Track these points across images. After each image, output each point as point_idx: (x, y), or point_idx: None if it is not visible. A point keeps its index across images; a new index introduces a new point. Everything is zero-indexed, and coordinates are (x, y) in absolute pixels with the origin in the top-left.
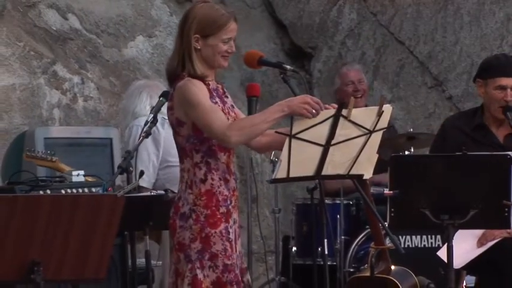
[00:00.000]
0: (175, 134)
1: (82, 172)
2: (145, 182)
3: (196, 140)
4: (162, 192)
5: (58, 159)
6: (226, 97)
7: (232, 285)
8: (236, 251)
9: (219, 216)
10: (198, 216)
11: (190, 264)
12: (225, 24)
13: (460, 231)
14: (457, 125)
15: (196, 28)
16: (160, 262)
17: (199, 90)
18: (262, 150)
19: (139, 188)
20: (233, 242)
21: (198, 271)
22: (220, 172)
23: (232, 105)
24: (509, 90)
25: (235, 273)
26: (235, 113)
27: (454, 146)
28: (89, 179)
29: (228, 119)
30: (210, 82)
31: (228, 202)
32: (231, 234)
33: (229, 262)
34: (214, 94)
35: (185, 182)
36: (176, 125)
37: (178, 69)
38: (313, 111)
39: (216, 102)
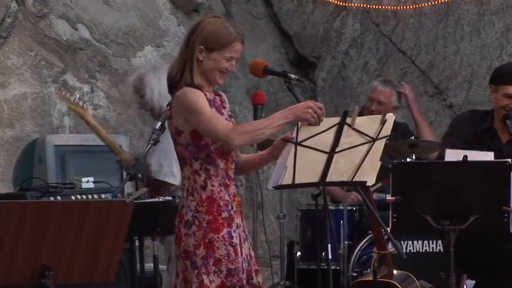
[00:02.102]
0: (175, 144)
1: (92, 179)
2: (176, 179)
3: (195, 148)
4: (170, 198)
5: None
6: (224, 107)
7: None
8: (242, 254)
9: (221, 221)
10: (200, 222)
11: (197, 270)
12: (231, 43)
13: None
14: (470, 122)
15: (202, 40)
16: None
17: (198, 98)
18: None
19: (166, 185)
20: (237, 247)
21: (204, 276)
22: (220, 178)
23: (230, 115)
24: None
25: (238, 277)
26: (232, 123)
27: (465, 139)
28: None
29: None
30: (207, 93)
31: (230, 207)
32: (234, 238)
33: (232, 267)
34: (211, 104)
35: (186, 190)
36: (175, 134)
37: (177, 76)
38: (316, 115)
39: (214, 111)
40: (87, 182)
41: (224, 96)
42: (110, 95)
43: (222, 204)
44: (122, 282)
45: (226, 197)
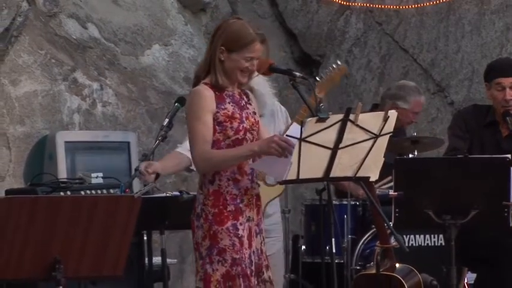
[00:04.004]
0: None
1: (101, 174)
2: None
3: None
4: (177, 193)
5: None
6: (250, 104)
7: (240, 278)
8: (251, 246)
9: (226, 214)
10: (206, 215)
11: (201, 260)
12: (250, 44)
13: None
14: (473, 115)
15: (223, 41)
16: (176, 260)
17: (202, 104)
18: None
19: None
20: (244, 238)
21: (208, 266)
22: (228, 173)
23: (254, 112)
24: (507, 89)
25: (242, 266)
26: (254, 119)
27: (469, 131)
28: None
29: (244, 125)
30: (228, 90)
31: (238, 201)
32: (240, 230)
33: (237, 256)
34: (228, 100)
35: (199, 183)
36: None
37: (203, 74)
38: (279, 148)
39: (225, 108)
40: (97, 177)
41: (251, 95)
42: (119, 92)
43: (228, 198)
44: (131, 275)
45: (235, 191)
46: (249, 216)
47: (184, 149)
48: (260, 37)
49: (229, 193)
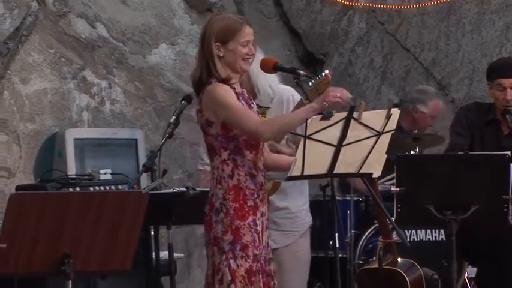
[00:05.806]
0: (205, 135)
1: (109, 170)
2: None
3: (224, 139)
4: (184, 189)
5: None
6: (252, 103)
7: (259, 274)
8: (263, 242)
9: (247, 209)
10: (228, 209)
11: (224, 255)
12: (240, 29)
13: None
14: (475, 113)
15: (216, 37)
16: (183, 255)
17: (227, 94)
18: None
19: None
20: (260, 234)
21: (232, 261)
22: (246, 168)
23: (257, 111)
24: (508, 89)
25: (260, 262)
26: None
27: (470, 129)
28: None
29: None
30: (235, 86)
31: (255, 196)
32: (258, 226)
33: (257, 252)
34: (240, 98)
35: (215, 179)
36: (206, 126)
37: (203, 76)
38: (337, 95)
39: (243, 105)
40: (105, 173)
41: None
42: (127, 90)
43: (247, 193)
44: (138, 270)
45: (252, 186)
46: (262, 211)
47: None
48: (246, 21)
49: (248, 188)
